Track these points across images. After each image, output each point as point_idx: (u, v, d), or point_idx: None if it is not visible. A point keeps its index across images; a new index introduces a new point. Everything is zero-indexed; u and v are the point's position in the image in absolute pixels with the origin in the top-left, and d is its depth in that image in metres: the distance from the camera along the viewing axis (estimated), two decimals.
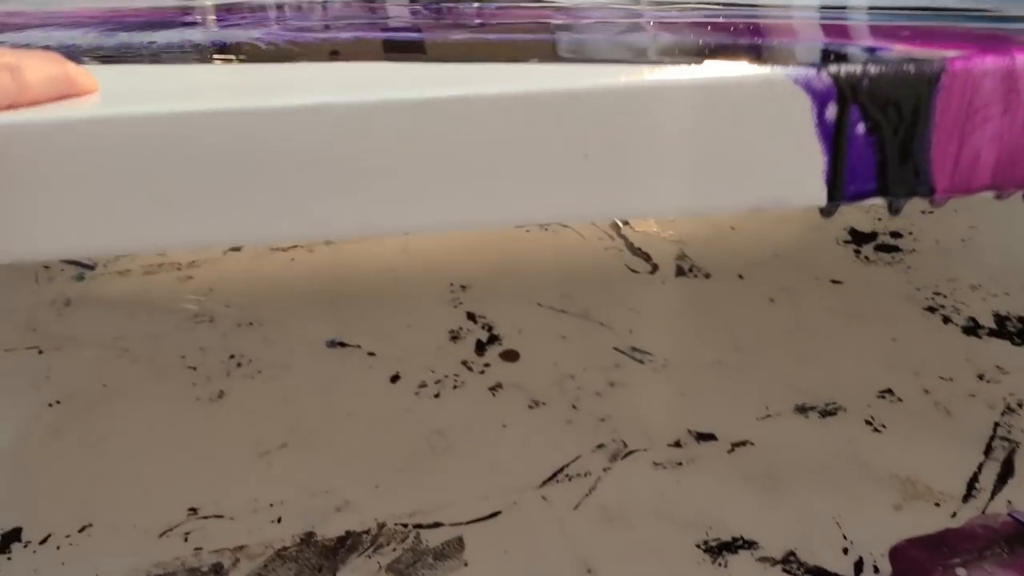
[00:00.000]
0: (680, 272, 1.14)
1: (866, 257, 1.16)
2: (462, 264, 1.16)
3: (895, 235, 1.20)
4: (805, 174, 0.41)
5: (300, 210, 0.39)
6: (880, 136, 0.41)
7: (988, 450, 0.87)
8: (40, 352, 1.04)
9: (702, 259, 1.16)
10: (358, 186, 0.39)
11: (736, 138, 0.40)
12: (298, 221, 0.39)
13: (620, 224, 1.23)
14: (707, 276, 1.13)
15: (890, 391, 0.95)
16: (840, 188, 0.41)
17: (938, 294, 1.09)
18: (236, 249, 1.23)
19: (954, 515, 0.80)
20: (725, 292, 1.10)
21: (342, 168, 0.38)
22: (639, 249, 1.18)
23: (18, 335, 1.08)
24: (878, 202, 0.43)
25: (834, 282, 1.12)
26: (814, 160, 0.41)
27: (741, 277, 1.13)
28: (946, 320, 1.05)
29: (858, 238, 1.20)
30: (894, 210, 0.44)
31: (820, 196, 0.42)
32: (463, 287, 1.11)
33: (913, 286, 1.10)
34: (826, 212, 0.44)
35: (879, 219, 1.23)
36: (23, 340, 1.06)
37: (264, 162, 0.37)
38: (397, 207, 0.39)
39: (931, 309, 1.07)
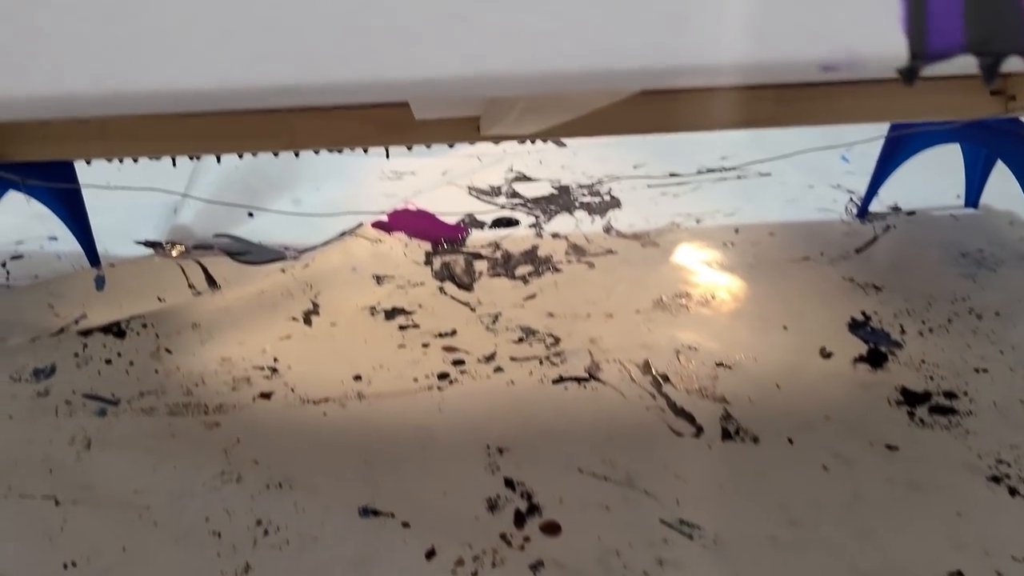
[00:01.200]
0: (726, 435, 1.09)
1: (921, 420, 1.11)
2: (499, 424, 1.12)
3: (949, 395, 1.15)
4: (881, 23, 0.35)
5: (295, 51, 0.34)
6: None
7: None
8: (57, 503, 1.00)
9: (748, 420, 1.11)
10: (359, 22, 0.34)
11: None
12: (292, 65, 0.34)
13: (661, 381, 1.19)
14: (755, 440, 1.08)
15: (960, 574, 0.89)
16: (922, 40, 0.35)
17: (1001, 462, 1.03)
18: (266, 396, 1.20)
19: None
20: (775, 458, 1.05)
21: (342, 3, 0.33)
22: (682, 409, 1.14)
23: (34, 478, 1.03)
24: (970, 62, 0.35)
25: (889, 447, 1.06)
26: (890, 6, 0.35)
27: (791, 441, 1.08)
28: (1012, 492, 0.99)
29: (911, 399, 1.15)
30: (988, 73, 0.35)
31: (899, 51, 0.35)
32: (500, 450, 1.07)
33: (974, 453, 1.05)
34: (907, 76, 0.36)
35: (931, 378, 1.19)
36: (39, 486, 1.02)
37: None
38: (402, 50, 0.34)
39: (995, 479, 1.01)
